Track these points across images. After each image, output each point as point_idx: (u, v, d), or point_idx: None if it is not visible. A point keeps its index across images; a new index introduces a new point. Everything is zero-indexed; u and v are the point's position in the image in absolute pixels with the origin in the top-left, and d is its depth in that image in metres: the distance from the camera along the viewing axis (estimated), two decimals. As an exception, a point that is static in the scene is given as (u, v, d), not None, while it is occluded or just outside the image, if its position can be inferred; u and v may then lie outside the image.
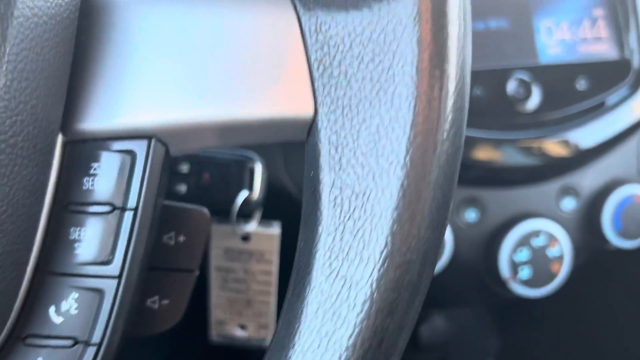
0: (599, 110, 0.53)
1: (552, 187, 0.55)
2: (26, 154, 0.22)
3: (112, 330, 0.24)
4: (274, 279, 0.55)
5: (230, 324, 0.58)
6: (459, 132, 0.23)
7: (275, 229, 0.53)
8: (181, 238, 0.29)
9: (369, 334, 0.22)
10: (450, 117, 0.23)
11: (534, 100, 0.52)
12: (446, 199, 0.23)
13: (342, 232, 0.23)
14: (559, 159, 0.53)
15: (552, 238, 0.53)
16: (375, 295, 0.22)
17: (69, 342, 0.24)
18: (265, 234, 0.53)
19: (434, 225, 0.23)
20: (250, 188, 0.48)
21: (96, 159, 0.24)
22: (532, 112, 0.52)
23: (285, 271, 0.54)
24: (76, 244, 0.24)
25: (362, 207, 0.22)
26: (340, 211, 0.23)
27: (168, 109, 0.24)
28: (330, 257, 0.23)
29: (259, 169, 0.48)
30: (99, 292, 0.24)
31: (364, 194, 0.22)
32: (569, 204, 0.55)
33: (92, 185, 0.24)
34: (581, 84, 0.53)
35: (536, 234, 0.53)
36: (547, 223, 0.53)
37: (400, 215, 0.22)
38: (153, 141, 0.24)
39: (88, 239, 0.24)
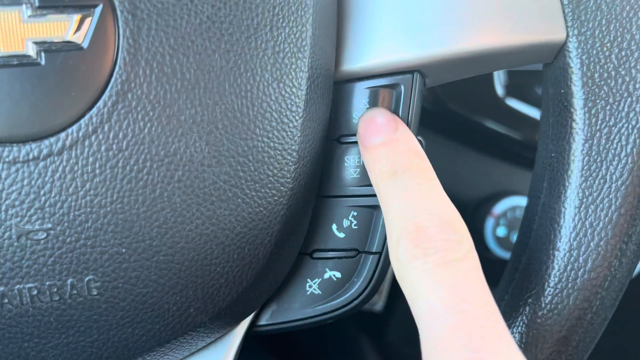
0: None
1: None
2: (321, 94, 0.26)
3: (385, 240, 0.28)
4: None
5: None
6: None
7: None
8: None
9: (629, 222, 0.26)
10: None
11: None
12: None
13: (599, 138, 0.26)
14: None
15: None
16: (630, 188, 0.26)
17: (352, 253, 0.29)
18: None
19: None
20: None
21: (365, 94, 0.27)
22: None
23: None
24: (351, 169, 0.28)
25: (617, 114, 0.26)
26: (596, 120, 0.26)
27: (429, 44, 0.27)
28: (589, 161, 0.26)
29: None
30: (376, 208, 0.28)
31: (619, 103, 0.26)
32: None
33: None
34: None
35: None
36: None
37: None
38: (416, 75, 0.27)
39: (362, 164, 0.28)
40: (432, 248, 0.22)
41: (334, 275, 0.29)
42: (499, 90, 0.54)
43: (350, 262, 0.29)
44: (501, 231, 0.56)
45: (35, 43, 0.21)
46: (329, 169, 0.28)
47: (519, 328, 0.27)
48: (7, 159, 0.21)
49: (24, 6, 0.21)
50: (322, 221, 0.29)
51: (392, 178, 0.25)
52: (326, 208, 0.29)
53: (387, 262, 0.29)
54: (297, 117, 0.25)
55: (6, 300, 0.23)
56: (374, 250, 0.28)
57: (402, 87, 0.27)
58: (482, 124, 0.56)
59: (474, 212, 0.57)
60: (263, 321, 0.29)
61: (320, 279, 0.29)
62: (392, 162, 0.25)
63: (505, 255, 0.57)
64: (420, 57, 0.27)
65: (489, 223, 0.56)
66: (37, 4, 0.21)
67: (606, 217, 0.26)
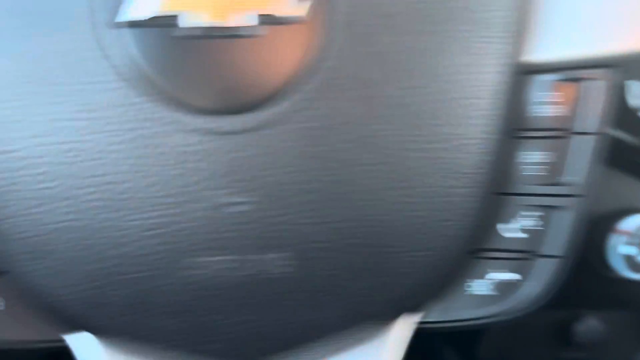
0: None
1: None
2: (506, 84, 0.25)
3: (568, 243, 0.27)
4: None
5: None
6: None
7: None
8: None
9: None
10: None
11: None
12: None
13: None
14: None
15: None
16: None
17: (523, 255, 0.27)
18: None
19: None
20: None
21: (548, 88, 0.26)
22: None
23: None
24: (527, 166, 0.27)
25: None
26: None
27: (622, 40, 0.26)
28: None
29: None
30: (553, 209, 0.27)
31: None
32: None
33: (546, 112, 0.27)
34: None
35: None
36: None
37: None
38: (609, 69, 0.26)
39: (540, 161, 0.27)
40: None
41: (503, 277, 0.28)
42: (631, 100, 0.52)
43: (516, 265, 0.27)
44: (627, 249, 0.53)
45: (257, 15, 0.21)
46: (502, 164, 0.27)
47: None
48: (215, 130, 0.21)
49: None
50: (489, 220, 0.27)
51: None
52: (494, 205, 0.27)
53: (567, 269, 0.27)
54: (486, 107, 0.24)
55: (200, 271, 0.23)
56: (548, 254, 0.27)
57: (590, 83, 0.26)
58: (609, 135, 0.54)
59: (594, 227, 0.54)
60: (430, 319, 0.28)
61: (488, 280, 0.28)
62: None
63: (630, 275, 0.54)
64: (612, 51, 0.26)
65: (613, 240, 0.53)
66: None
67: None
